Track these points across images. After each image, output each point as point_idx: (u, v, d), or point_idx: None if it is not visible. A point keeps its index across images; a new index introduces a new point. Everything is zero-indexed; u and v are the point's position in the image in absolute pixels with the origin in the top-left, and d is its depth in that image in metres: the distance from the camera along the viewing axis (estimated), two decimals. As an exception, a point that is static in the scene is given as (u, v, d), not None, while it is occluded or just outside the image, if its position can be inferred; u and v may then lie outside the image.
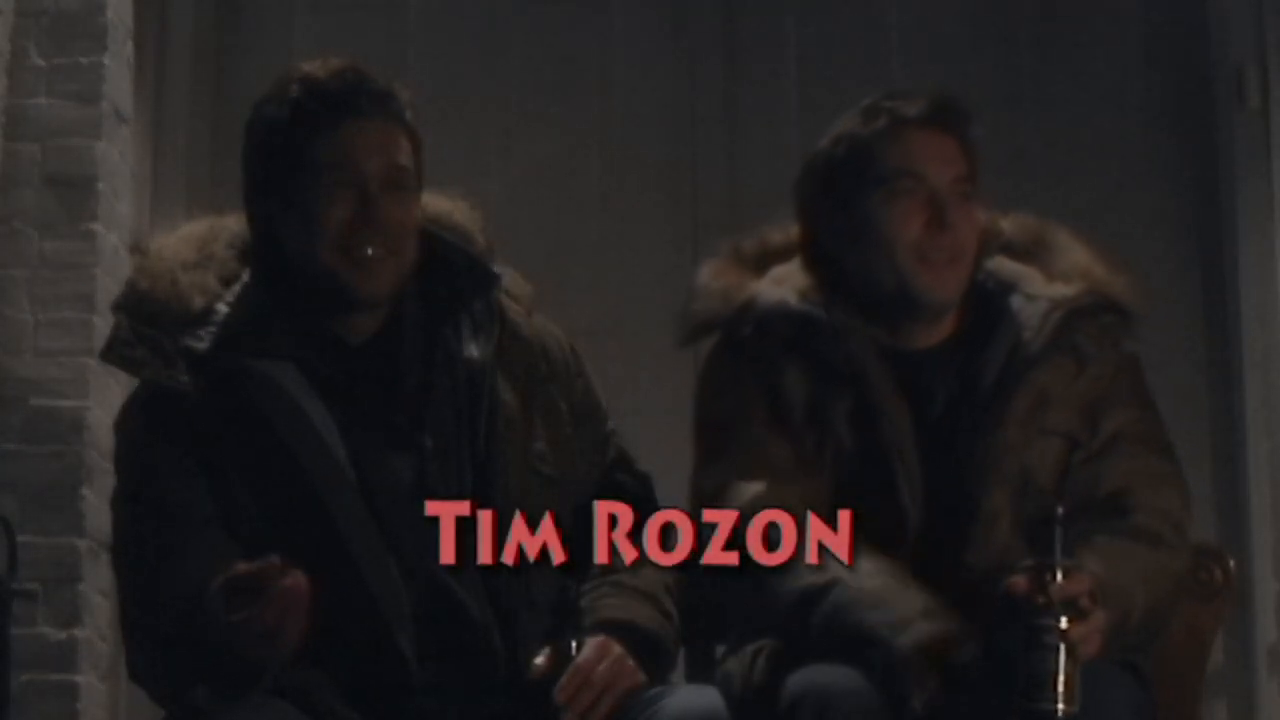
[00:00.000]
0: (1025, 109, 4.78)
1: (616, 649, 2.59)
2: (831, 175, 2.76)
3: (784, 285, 2.79)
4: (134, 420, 2.67)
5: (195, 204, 4.55)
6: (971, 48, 4.81)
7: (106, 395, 4.37)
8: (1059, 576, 2.46)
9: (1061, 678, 2.44)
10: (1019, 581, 2.47)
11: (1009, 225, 2.86)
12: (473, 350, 2.70)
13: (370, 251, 2.60)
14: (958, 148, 2.73)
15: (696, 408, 2.82)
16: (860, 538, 2.62)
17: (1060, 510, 2.49)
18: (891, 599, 2.54)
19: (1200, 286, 4.68)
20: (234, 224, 2.73)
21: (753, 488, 2.68)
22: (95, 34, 4.41)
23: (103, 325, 4.33)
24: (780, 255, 2.86)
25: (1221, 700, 4.42)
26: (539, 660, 2.59)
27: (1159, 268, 4.67)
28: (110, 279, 4.40)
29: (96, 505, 4.27)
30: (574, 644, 2.58)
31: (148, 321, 2.63)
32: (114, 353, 2.65)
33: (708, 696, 2.57)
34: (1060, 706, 2.43)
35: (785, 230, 2.88)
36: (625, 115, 4.81)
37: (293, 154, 2.61)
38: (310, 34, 4.79)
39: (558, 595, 2.69)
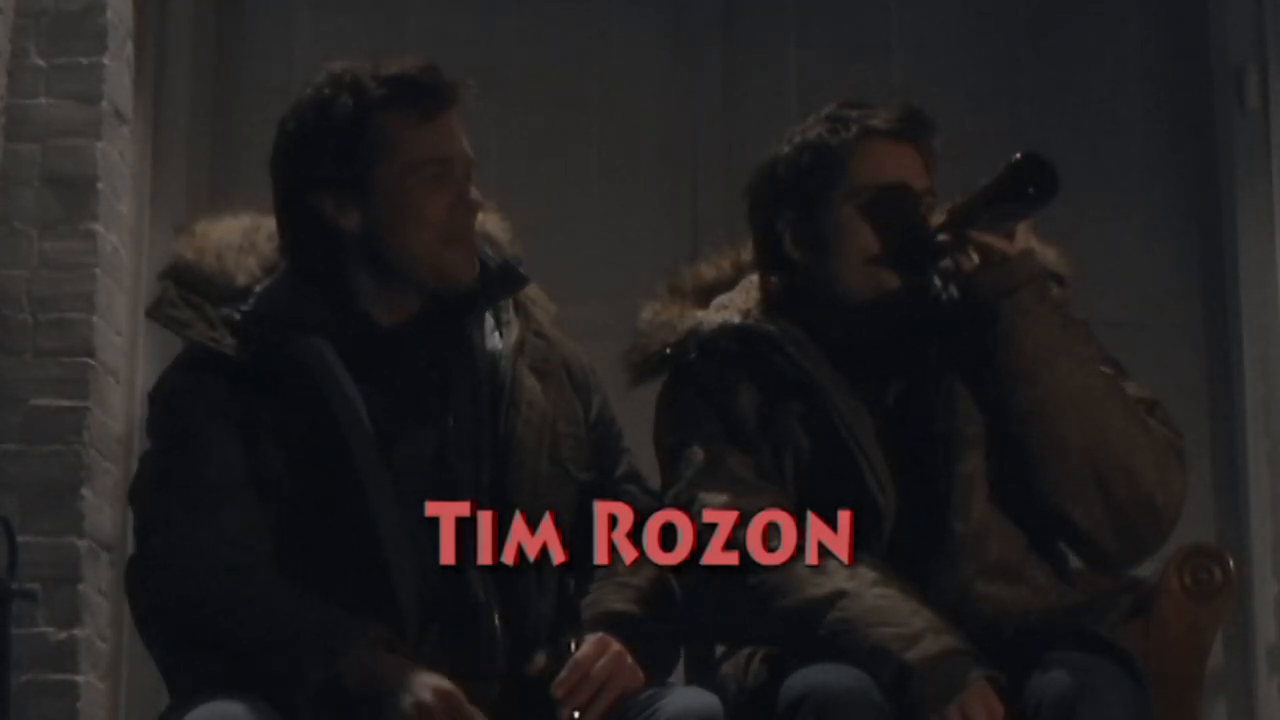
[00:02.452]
0: (1025, 109, 4.78)
1: (616, 646, 2.60)
2: (797, 183, 2.78)
3: (727, 309, 2.84)
4: (176, 381, 2.71)
5: (195, 204, 4.56)
6: (971, 48, 4.81)
7: (106, 395, 4.37)
8: None
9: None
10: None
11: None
12: (495, 342, 2.76)
13: (469, 234, 2.70)
14: (923, 160, 2.77)
15: (655, 437, 2.85)
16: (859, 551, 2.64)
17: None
18: (897, 615, 2.55)
19: (1200, 286, 4.68)
20: (272, 222, 2.78)
21: (717, 500, 2.70)
22: (95, 34, 4.41)
23: (103, 325, 4.33)
24: (716, 288, 2.91)
25: (1221, 700, 4.42)
26: (538, 656, 2.61)
27: (1159, 268, 4.68)
28: (110, 279, 4.40)
29: (96, 505, 4.27)
30: (573, 642, 2.60)
31: (193, 289, 2.70)
32: (160, 312, 2.71)
33: (706, 697, 2.57)
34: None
35: (716, 265, 2.94)
36: (625, 115, 4.81)
37: (379, 147, 2.66)
38: (310, 34, 4.80)
39: (558, 593, 2.71)
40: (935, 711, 2.49)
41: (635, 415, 2.90)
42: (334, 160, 2.68)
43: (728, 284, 2.91)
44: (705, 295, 2.90)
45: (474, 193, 2.72)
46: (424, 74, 2.70)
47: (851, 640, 2.55)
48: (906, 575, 2.64)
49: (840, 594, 2.58)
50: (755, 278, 2.87)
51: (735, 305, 2.85)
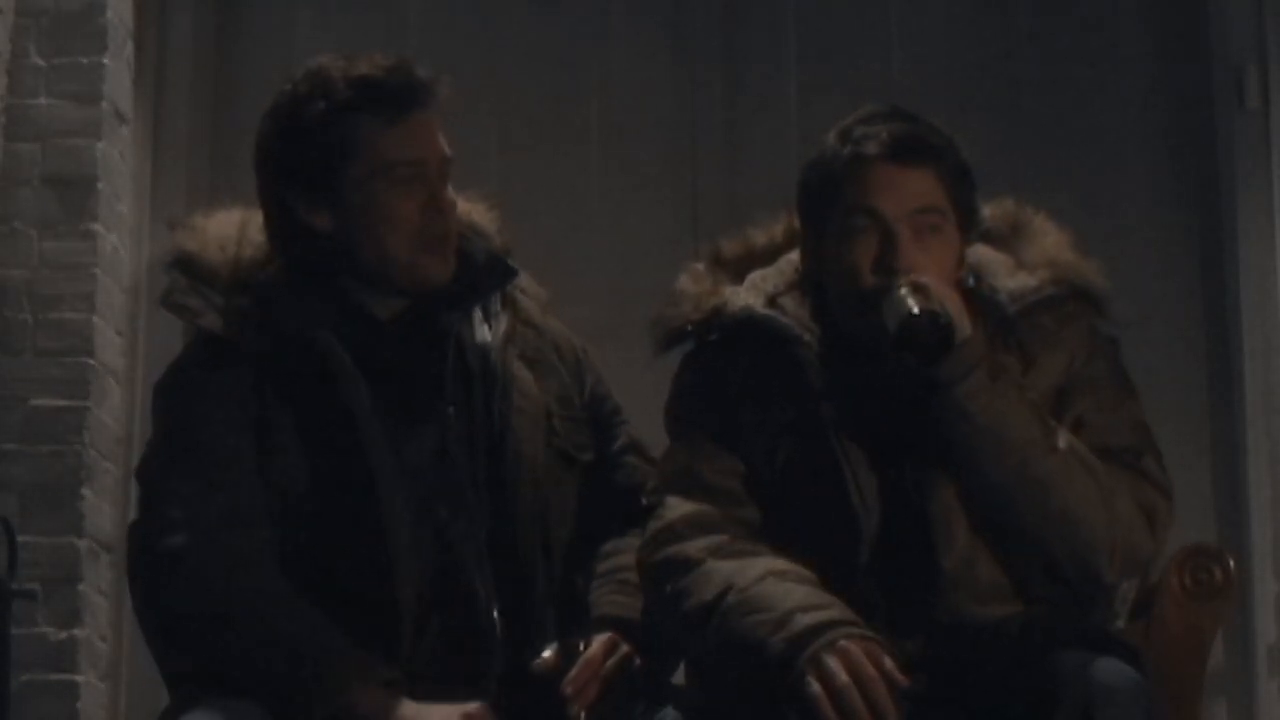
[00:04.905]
0: (1024, 109, 4.78)
1: (624, 646, 2.62)
2: (806, 196, 2.76)
3: (755, 291, 2.79)
4: (187, 369, 2.72)
5: (195, 204, 4.54)
6: (971, 47, 4.81)
7: (106, 395, 4.38)
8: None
9: (909, 294, 2.56)
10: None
11: (990, 211, 2.84)
12: (485, 334, 2.76)
13: (444, 237, 2.69)
14: (926, 179, 2.68)
15: (664, 415, 2.83)
16: (804, 543, 2.63)
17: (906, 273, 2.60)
18: (769, 601, 2.52)
19: (1200, 286, 4.68)
20: (260, 217, 2.77)
21: (685, 506, 2.69)
22: (95, 34, 4.41)
23: (103, 325, 4.34)
24: (763, 257, 2.85)
25: (1221, 700, 4.42)
26: (546, 654, 2.60)
27: (1159, 268, 4.67)
28: (110, 279, 4.40)
29: (96, 505, 4.27)
30: (582, 644, 2.61)
31: (200, 279, 2.70)
32: (173, 300, 2.71)
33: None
34: (914, 306, 2.55)
35: (768, 230, 2.88)
36: (625, 115, 4.81)
37: (355, 141, 2.65)
38: (310, 34, 4.80)
39: (560, 586, 2.72)
40: (798, 684, 2.44)
41: (652, 388, 2.88)
42: (304, 161, 2.68)
43: (777, 252, 2.85)
44: (748, 265, 2.84)
45: (449, 194, 2.70)
46: (392, 74, 2.68)
47: (733, 636, 2.53)
48: (898, 605, 2.60)
49: (726, 590, 2.56)
50: (795, 255, 2.82)
51: (766, 286, 2.79)
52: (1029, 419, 2.64)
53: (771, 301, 2.77)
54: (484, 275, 2.78)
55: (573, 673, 2.56)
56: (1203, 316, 4.67)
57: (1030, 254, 2.80)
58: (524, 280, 2.87)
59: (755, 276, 2.82)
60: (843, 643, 2.45)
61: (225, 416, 2.64)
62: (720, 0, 4.86)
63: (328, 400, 2.63)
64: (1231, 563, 2.95)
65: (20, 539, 4.01)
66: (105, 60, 4.41)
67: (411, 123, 2.67)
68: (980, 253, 2.81)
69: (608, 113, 4.82)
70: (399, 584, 2.58)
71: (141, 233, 4.61)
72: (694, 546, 2.64)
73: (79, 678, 4.20)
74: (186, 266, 2.72)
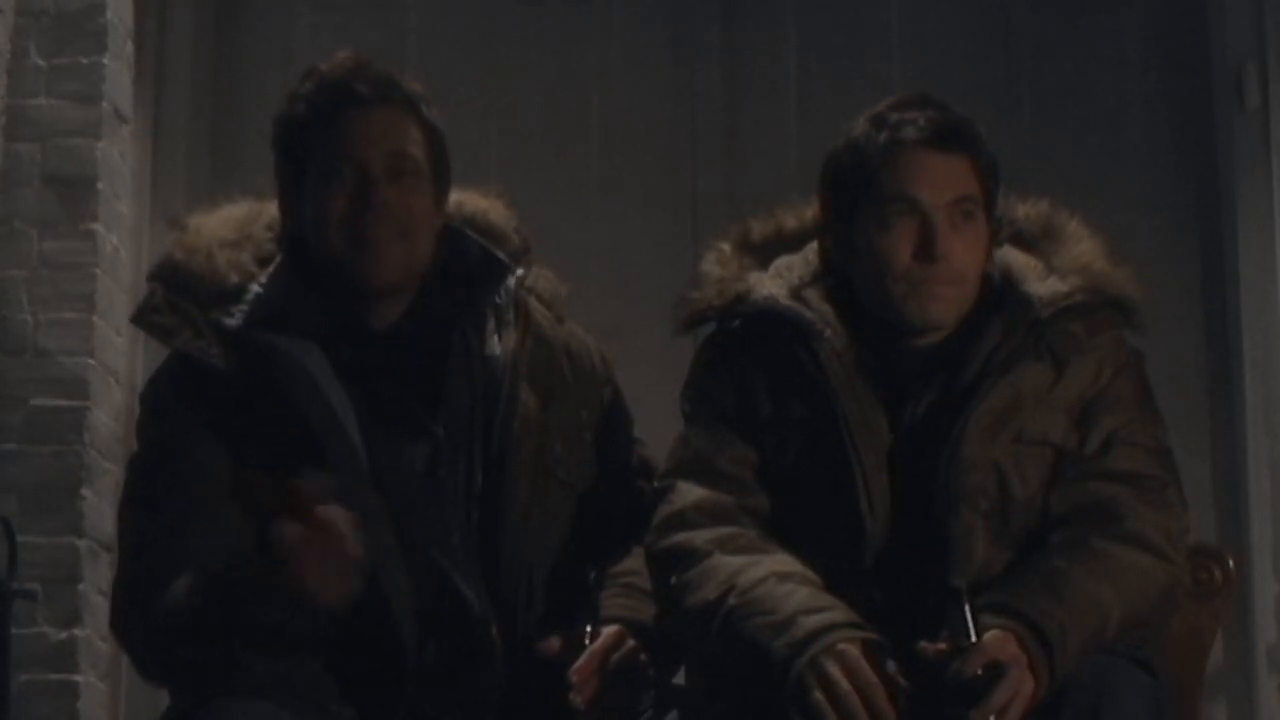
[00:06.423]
0: (1025, 109, 4.78)
1: (631, 641, 2.61)
2: (836, 183, 2.70)
3: (779, 280, 2.75)
4: (161, 388, 2.69)
5: (195, 204, 4.52)
6: (971, 48, 4.81)
7: (106, 395, 4.37)
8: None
9: None
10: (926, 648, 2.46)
11: (1024, 211, 2.81)
12: (494, 347, 2.72)
13: (373, 235, 2.63)
14: (963, 167, 2.66)
15: (681, 395, 2.80)
16: (809, 542, 2.61)
17: (964, 585, 2.47)
18: (771, 603, 2.51)
19: (1200, 286, 4.68)
20: (273, 209, 2.77)
21: (696, 491, 2.67)
22: (95, 34, 4.41)
23: (103, 325, 4.34)
24: (792, 242, 2.81)
25: (1221, 700, 4.42)
26: (552, 640, 2.60)
27: (1159, 267, 4.67)
28: (110, 279, 4.40)
29: (96, 505, 4.27)
30: (589, 632, 2.60)
31: (181, 292, 2.67)
32: (145, 319, 2.69)
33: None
34: None
35: (798, 214, 2.84)
36: (625, 115, 4.81)
37: (304, 146, 2.66)
38: (310, 34, 4.80)
39: (576, 585, 2.70)
40: (801, 690, 2.43)
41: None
42: (281, 160, 2.70)
43: (807, 237, 2.80)
44: (777, 249, 2.80)
45: (389, 195, 2.64)
46: (334, 70, 2.68)
47: (736, 637, 2.51)
48: (908, 617, 2.54)
49: (728, 590, 2.55)
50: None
51: (791, 276, 2.75)
52: (1090, 614, 2.54)
53: (796, 293, 2.73)
54: (482, 276, 2.74)
55: (579, 662, 2.56)
56: (1203, 316, 4.67)
57: (1062, 260, 2.75)
58: (541, 283, 2.84)
59: (781, 264, 2.78)
60: (841, 646, 2.45)
61: (197, 444, 2.60)
62: (720, 2, 4.86)
63: (300, 424, 2.59)
64: (1231, 563, 2.95)
65: (20, 539, 4.01)
66: (105, 60, 4.41)
67: (351, 120, 2.65)
68: (1010, 256, 2.77)
69: (608, 113, 4.82)
70: (393, 606, 2.55)
71: (141, 233, 4.61)
72: (702, 537, 2.62)
73: (79, 678, 4.20)
74: (168, 277, 2.69)
